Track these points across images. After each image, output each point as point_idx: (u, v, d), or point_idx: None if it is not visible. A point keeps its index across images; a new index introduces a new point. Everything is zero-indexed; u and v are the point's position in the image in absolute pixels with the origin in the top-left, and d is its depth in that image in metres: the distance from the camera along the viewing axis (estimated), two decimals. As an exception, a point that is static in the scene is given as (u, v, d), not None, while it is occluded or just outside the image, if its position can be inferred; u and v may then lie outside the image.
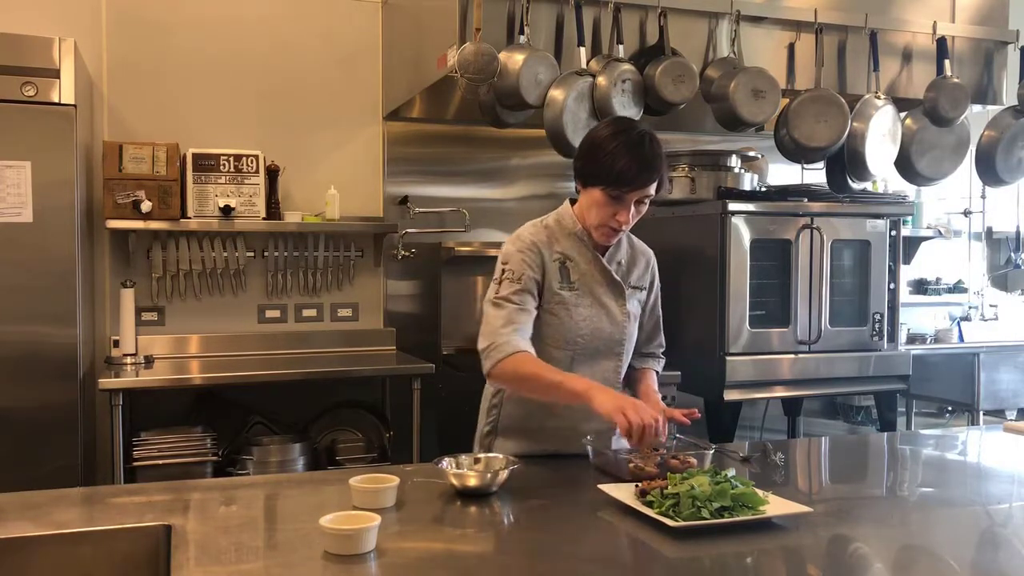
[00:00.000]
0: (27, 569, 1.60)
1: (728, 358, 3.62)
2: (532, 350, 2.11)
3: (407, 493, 1.85)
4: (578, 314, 2.21)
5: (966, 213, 5.39)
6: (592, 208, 2.17)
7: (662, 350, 2.47)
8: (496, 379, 2.13)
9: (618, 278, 2.27)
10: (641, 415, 1.91)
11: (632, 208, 2.13)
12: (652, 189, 2.13)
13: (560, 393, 2.06)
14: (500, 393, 2.31)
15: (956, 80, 3.66)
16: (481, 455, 2.02)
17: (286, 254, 4.02)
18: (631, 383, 2.40)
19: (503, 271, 2.20)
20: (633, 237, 2.37)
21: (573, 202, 2.28)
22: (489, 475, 1.91)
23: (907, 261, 4.70)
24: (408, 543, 1.64)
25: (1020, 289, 5.35)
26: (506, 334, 2.09)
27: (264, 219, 3.81)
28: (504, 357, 2.07)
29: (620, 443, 2.15)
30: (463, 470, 1.94)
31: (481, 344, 2.13)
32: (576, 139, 3.24)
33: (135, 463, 3.33)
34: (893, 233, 3.94)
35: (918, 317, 5.02)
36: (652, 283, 2.38)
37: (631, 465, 1.98)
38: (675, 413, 2.11)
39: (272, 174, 3.86)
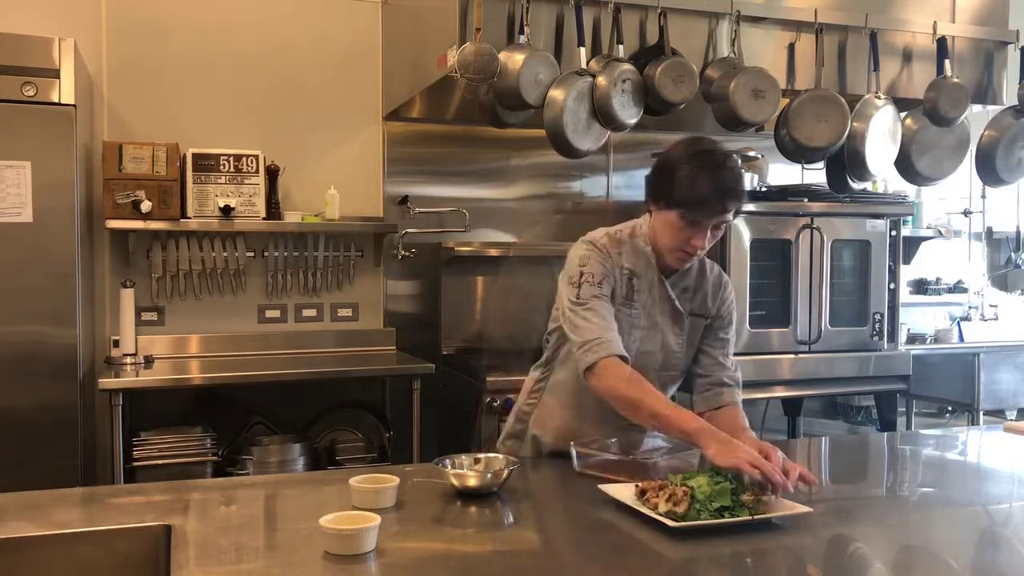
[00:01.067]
0: (27, 569, 1.60)
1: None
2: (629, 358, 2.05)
3: (407, 493, 1.85)
4: (633, 334, 2.13)
5: (966, 213, 5.39)
6: (666, 230, 2.09)
7: (735, 379, 2.28)
8: (597, 376, 2.01)
9: (680, 307, 2.19)
10: (765, 467, 1.75)
11: (708, 233, 2.06)
12: (730, 215, 2.06)
13: (664, 425, 1.97)
14: (545, 379, 2.29)
15: (956, 80, 3.65)
16: (481, 455, 2.02)
17: (286, 254, 4.02)
18: (717, 424, 2.08)
19: (581, 274, 2.10)
20: (707, 260, 2.27)
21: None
22: (489, 475, 1.92)
23: (907, 261, 4.70)
24: (408, 543, 1.64)
25: (1020, 289, 5.35)
26: (610, 332, 2.03)
27: (264, 219, 3.81)
28: (608, 356, 1.99)
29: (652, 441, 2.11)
30: (463, 470, 1.94)
31: (579, 339, 2.04)
32: (576, 139, 3.24)
33: (135, 463, 3.33)
34: (893, 233, 3.94)
35: (918, 317, 5.02)
36: (722, 313, 2.25)
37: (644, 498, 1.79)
38: (803, 471, 1.82)
39: (272, 174, 3.86)
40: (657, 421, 1.97)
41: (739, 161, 2.08)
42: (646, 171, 4.32)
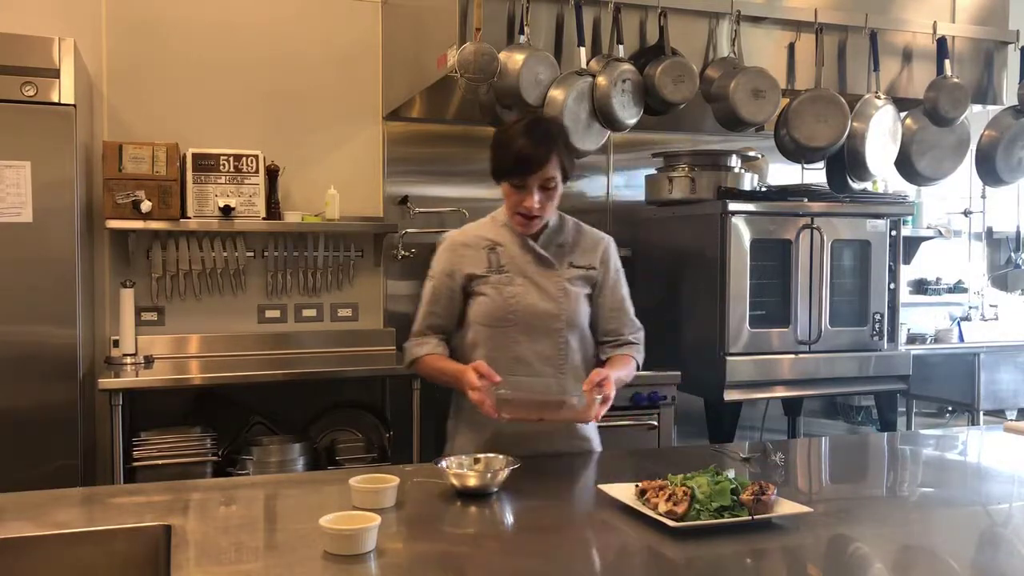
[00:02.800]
0: (27, 569, 1.60)
1: (728, 358, 3.62)
2: (433, 349, 2.37)
3: (407, 493, 1.85)
4: (507, 292, 2.30)
5: (966, 213, 5.39)
6: (505, 200, 2.33)
7: (637, 337, 2.45)
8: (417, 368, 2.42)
9: (547, 255, 2.34)
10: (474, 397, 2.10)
11: (537, 194, 2.23)
12: (552, 171, 2.22)
13: (446, 381, 2.33)
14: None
15: (956, 80, 3.65)
16: (481, 455, 2.02)
17: (286, 254, 4.02)
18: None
19: (431, 268, 2.44)
20: (583, 225, 2.46)
21: None
22: (489, 475, 1.92)
23: (907, 261, 4.70)
24: (408, 543, 1.64)
25: (1020, 289, 5.35)
26: (415, 338, 2.42)
27: (264, 219, 3.81)
28: (410, 362, 2.41)
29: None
30: (463, 470, 1.94)
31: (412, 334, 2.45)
32: (576, 139, 3.23)
33: (135, 463, 3.32)
34: (893, 233, 3.94)
35: (918, 317, 5.02)
36: (607, 267, 2.42)
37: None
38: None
39: (272, 174, 3.86)
40: (440, 373, 2.33)
41: (554, 122, 2.39)
42: (646, 171, 4.36)
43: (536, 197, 2.23)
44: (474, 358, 2.26)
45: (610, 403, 2.11)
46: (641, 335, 2.47)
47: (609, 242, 2.45)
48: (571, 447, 2.35)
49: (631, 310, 2.46)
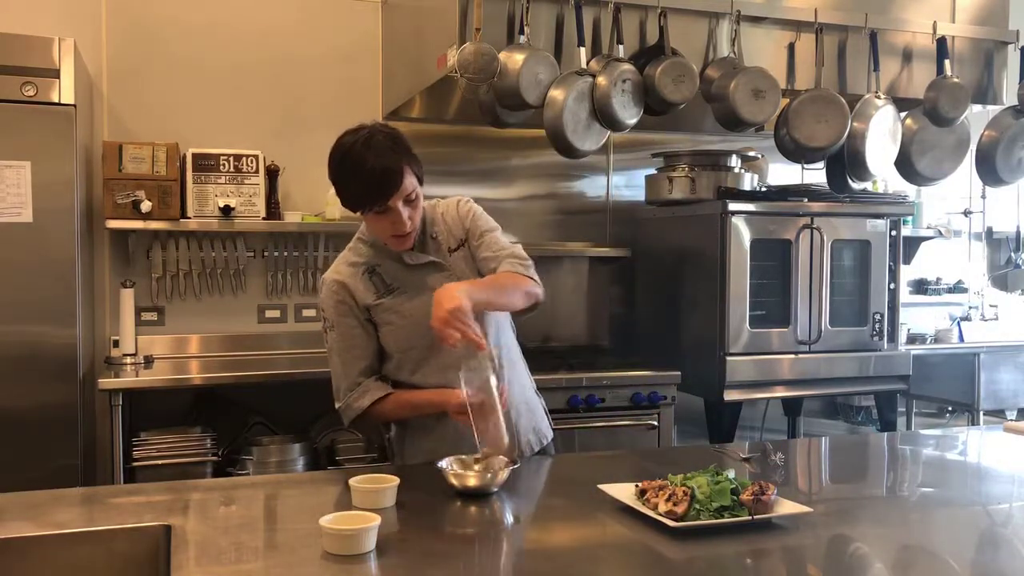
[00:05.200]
0: (27, 569, 1.60)
1: (728, 358, 3.62)
2: (381, 392, 2.22)
3: (407, 493, 1.85)
4: (408, 309, 2.20)
5: (966, 213, 5.39)
6: (372, 227, 2.21)
7: (525, 265, 2.26)
8: (366, 422, 2.30)
9: (426, 259, 2.24)
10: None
11: (404, 210, 2.11)
12: (411, 183, 2.10)
13: (422, 409, 2.21)
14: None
15: (956, 80, 3.66)
16: (481, 455, 2.02)
17: (286, 254, 4.02)
18: None
19: (324, 321, 2.28)
20: (434, 202, 2.33)
21: None
22: (489, 475, 1.91)
23: (907, 261, 4.70)
24: (408, 543, 1.64)
25: (1020, 289, 5.35)
26: (352, 392, 2.24)
27: (264, 219, 3.81)
28: (355, 418, 2.26)
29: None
30: (463, 470, 1.94)
31: (337, 401, 2.28)
32: (576, 139, 3.24)
33: (135, 463, 3.32)
34: (893, 233, 3.94)
35: (918, 317, 5.02)
36: (467, 227, 2.28)
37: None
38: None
39: (272, 174, 3.86)
40: (420, 410, 2.22)
41: (384, 131, 2.19)
42: (646, 171, 4.37)
43: (405, 214, 2.11)
44: (403, 381, 2.25)
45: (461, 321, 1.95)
46: (515, 249, 2.28)
47: (461, 202, 2.32)
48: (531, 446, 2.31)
49: (511, 248, 2.27)
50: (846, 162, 3.69)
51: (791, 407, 4.39)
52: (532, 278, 2.22)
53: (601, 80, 3.20)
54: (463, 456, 2.00)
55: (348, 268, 2.26)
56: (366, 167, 2.08)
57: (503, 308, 2.22)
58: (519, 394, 2.32)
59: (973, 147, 3.86)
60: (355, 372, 2.24)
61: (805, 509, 1.72)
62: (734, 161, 3.99)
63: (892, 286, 3.94)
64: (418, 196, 2.15)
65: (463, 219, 2.30)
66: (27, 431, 3.10)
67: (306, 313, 4.09)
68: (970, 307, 5.32)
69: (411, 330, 2.20)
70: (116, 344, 3.68)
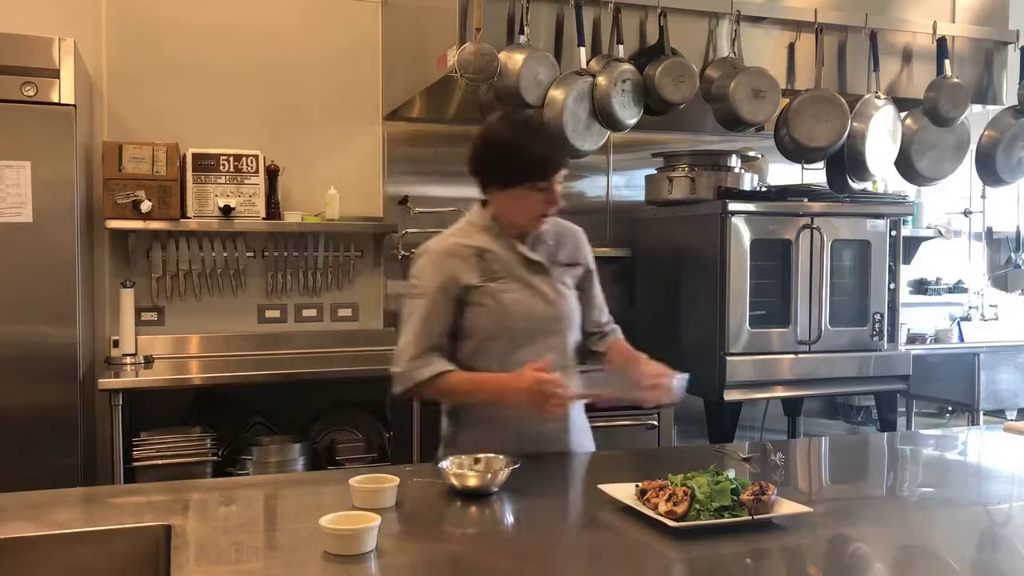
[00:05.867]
0: (27, 569, 1.60)
1: (728, 358, 3.62)
2: (444, 367, 2.21)
3: (407, 493, 1.85)
4: (507, 299, 2.24)
5: (966, 213, 5.39)
6: (517, 205, 2.24)
7: (612, 325, 2.49)
8: (430, 392, 2.25)
9: (538, 258, 2.29)
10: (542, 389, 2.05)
11: (556, 190, 2.21)
12: (566, 167, 2.22)
13: (478, 398, 2.22)
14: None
15: (956, 80, 3.66)
16: (481, 455, 2.02)
17: (286, 254, 4.02)
18: (615, 356, 2.40)
19: (413, 287, 2.29)
20: (556, 218, 2.38)
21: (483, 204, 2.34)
22: (489, 475, 1.91)
23: (907, 261, 4.70)
24: (408, 543, 1.64)
25: (1020, 289, 5.35)
26: (414, 362, 2.21)
27: (264, 219, 3.81)
28: (407, 388, 2.23)
29: None
30: (463, 470, 1.94)
31: (393, 366, 2.26)
32: (576, 139, 3.24)
33: (135, 463, 3.32)
34: (893, 233, 3.93)
35: (918, 317, 5.01)
36: (588, 259, 2.42)
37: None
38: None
39: (272, 174, 3.86)
40: (474, 398, 2.23)
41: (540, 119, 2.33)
42: (646, 171, 4.36)
43: (559, 195, 2.22)
44: (477, 368, 2.25)
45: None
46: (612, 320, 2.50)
47: (582, 233, 2.44)
48: (573, 447, 2.34)
49: (603, 299, 2.48)
50: (846, 162, 3.69)
51: (791, 407, 4.38)
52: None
53: (601, 80, 3.20)
54: (463, 456, 2.00)
55: (458, 246, 2.29)
56: (540, 142, 2.21)
57: None
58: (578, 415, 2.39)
59: (973, 147, 3.86)
60: (426, 345, 2.23)
61: (805, 509, 1.72)
62: (734, 161, 3.99)
63: (892, 286, 3.94)
64: (561, 185, 2.24)
65: (583, 249, 2.41)
66: (27, 431, 3.11)
67: (306, 313, 4.09)
68: (970, 307, 5.32)
69: (501, 318, 2.24)
70: (116, 344, 3.68)
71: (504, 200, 2.25)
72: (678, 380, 2.20)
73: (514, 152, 2.21)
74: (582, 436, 2.38)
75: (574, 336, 2.35)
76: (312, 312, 4.10)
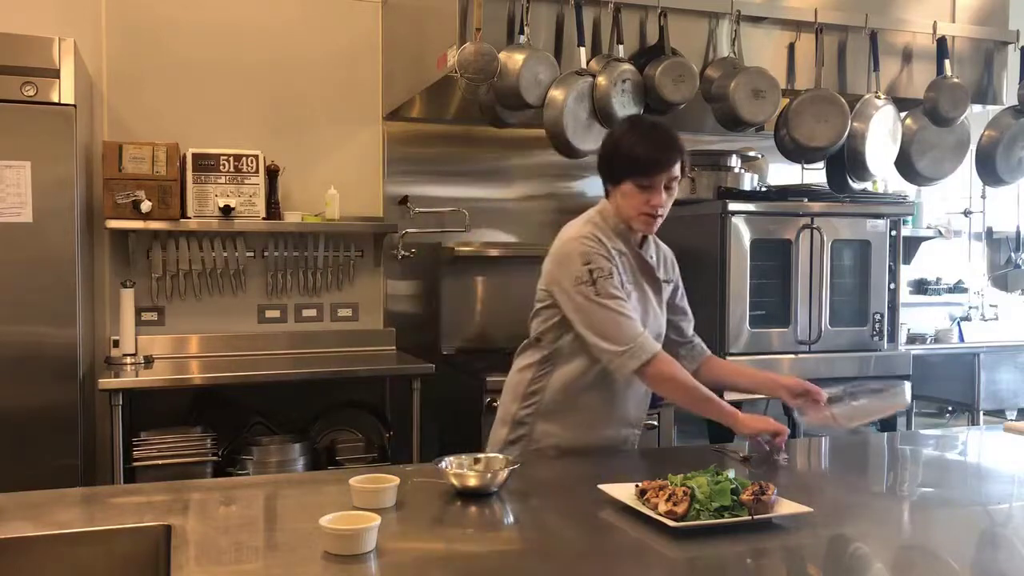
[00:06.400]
0: (27, 569, 1.60)
1: (728, 358, 3.62)
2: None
3: (407, 493, 1.85)
4: (636, 308, 2.27)
5: (966, 213, 5.39)
6: (626, 201, 2.25)
7: (698, 339, 2.57)
8: (651, 375, 2.18)
9: (658, 274, 2.38)
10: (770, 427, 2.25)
11: (663, 193, 2.23)
12: (676, 170, 2.23)
13: (710, 408, 2.23)
14: (545, 376, 2.32)
15: (956, 80, 3.66)
16: (481, 455, 2.02)
17: (286, 254, 4.02)
18: (725, 374, 2.54)
19: (591, 271, 2.18)
20: (654, 236, 2.44)
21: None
22: (489, 475, 1.91)
23: (907, 261, 4.70)
24: (408, 543, 1.64)
25: (1020, 289, 5.35)
26: (639, 328, 2.18)
27: (264, 219, 3.81)
28: (651, 358, 2.15)
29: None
30: (463, 470, 1.94)
31: (615, 347, 2.15)
32: (576, 139, 3.24)
33: (135, 463, 3.33)
34: (893, 233, 3.94)
35: (918, 317, 5.02)
36: (677, 278, 2.50)
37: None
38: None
39: (272, 174, 3.86)
40: (707, 404, 2.22)
41: (668, 125, 2.30)
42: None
43: (663, 194, 2.22)
44: (573, 361, 2.28)
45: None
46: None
47: (671, 252, 2.51)
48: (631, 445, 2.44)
49: (688, 306, 2.55)
50: (846, 162, 3.69)
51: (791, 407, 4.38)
52: None
53: (601, 80, 3.20)
54: (463, 456, 2.00)
55: (600, 241, 2.25)
56: (658, 133, 2.24)
57: None
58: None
59: (973, 147, 3.86)
60: (636, 319, 2.21)
61: (805, 509, 1.72)
62: (734, 161, 3.99)
63: (892, 286, 3.94)
64: (674, 191, 2.25)
65: (675, 268, 2.49)
66: (27, 431, 3.11)
67: (306, 313, 4.09)
68: (970, 307, 5.32)
69: None
70: (116, 344, 3.68)
71: (616, 197, 2.28)
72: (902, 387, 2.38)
73: (623, 145, 2.25)
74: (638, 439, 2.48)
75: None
76: (312, 312, 4.10)
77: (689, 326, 2.52)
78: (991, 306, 5.33)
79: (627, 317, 2.17)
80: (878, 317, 3.87)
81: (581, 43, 3.21)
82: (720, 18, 3.46)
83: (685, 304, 2.52)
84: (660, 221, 2.29)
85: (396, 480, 1.81)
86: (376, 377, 3.93)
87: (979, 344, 4.70)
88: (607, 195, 2.33)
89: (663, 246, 2.48)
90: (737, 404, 3.68)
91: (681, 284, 2.51)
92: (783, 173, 4.50)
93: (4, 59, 3.10)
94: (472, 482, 1.89)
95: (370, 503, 1.75)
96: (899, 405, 2.30)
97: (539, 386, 2.33)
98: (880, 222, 3.89)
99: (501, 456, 2.01)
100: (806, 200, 3.83)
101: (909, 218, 4.44)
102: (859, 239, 3.86)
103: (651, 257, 2.37)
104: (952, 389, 4.72)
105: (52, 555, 1.62)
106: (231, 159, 3.73)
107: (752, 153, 4.29)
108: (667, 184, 2.23)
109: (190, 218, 3.70)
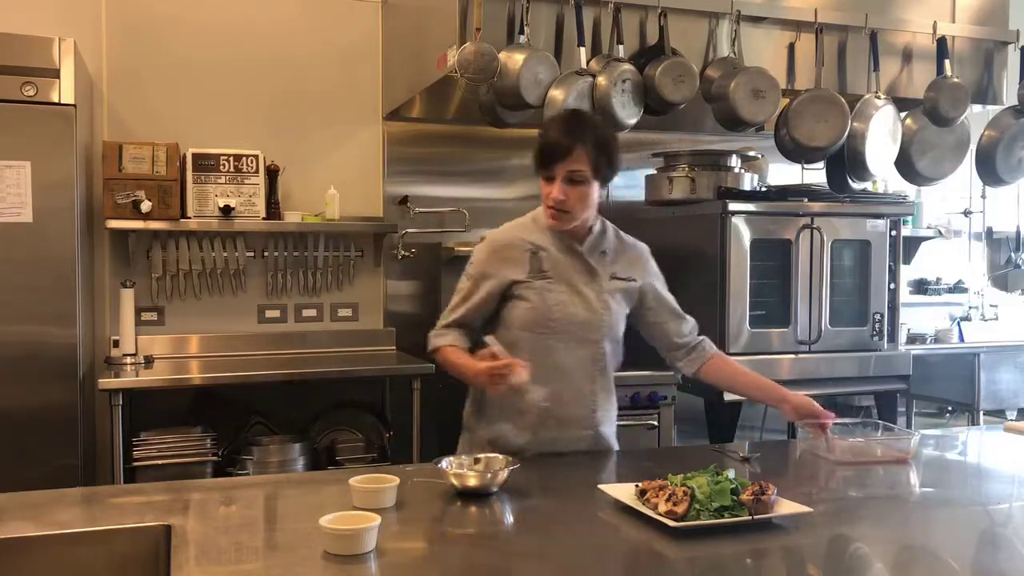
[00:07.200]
0: (27, 569, 1.60)
1: (728, 358, 3.61)
2: (447, 341, 2.33)
3: (407, 493, 1.85)
4: (551, 299, 2.27)
5: (966, 213, 5.39)
6: (543, 193, 2.27)
7: (698, 331, 2.49)
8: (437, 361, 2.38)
9: (594, 264, 2.32)
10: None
11: (561, 185, 2.19)
12: (578, 163, 2.18)
13: (454, 373, 2.30)
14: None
15: (956, 80, 3.65)
16: (481, 455, 2.02)
17: (286, 254, 4.02)
18: (723, 377, 2.49)
19: (470, 265, 2.39)
20: (623, 233, 2.45)
21: None
22: (489, 475, 1.92)
23: (907, 261, 4.70)
24: (408, 543, 1.64)
25: (1020, 289, 5.35)
26: (444, 326, 2.36)
27: (264, 219, 3.81)
28: (432, 349, 2.36)
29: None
30: (463, 470, 1.94)
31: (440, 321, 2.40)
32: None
33: (135, 463, 3.32)
34: (893, 233, 3.93)
35: (918, 317, 5.02)
36: (647, 276, 2.43)
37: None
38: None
39: (272, 174, 3.86)
40: (451, 367, 2.30)
41: (591, 117, 2.32)
42: (646, 171, 4.36)
43: (560, 188, 2.19)
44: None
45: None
46: (695, 324, 2.50)
47: (646, 250, 2.47)
48: (590, 447, 2.36)
49: (678, 307, 2.49)
50: (846, 162, 3.69)
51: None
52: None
53: (601, 80, 3.20)
54: (463, 456, 2.00)
55: (516, 239, 2.33)
56: (550, 131, 2.24)
57: None
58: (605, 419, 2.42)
59: (973, 147, 3.86)
60: (454, 317, 2.36)
61: (805, 509, 1.72)
62: (734, 161, 3.99)
63: (892, 286, 3.94)
64: (586, 183, 2.21)
65: (642, 266, 2.43)
66: (27, 431, 3.11)
67: (306, 313, 4.09)
68: (970, 307, 5.32)
69: (540, 316, 2.27)
70: (116, 344, 3.68)
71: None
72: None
73: (537, 139, 2.26)
74: (600, 442, 2.38)
75: (612, 346, 2.36)
76: (312, 312, 4.10)
77: (681, 326, 2.45)
78: (991, 306, 5.33)
79: (445, 313, 2.38)
80: (878, 317, 3.87)
81: (581, 43, 3.21)
82: (720, 18, 3.46)
83: (669, 305, 2.45)
84: (569, 219, 2.25)
85: (396, 480, 1.81)
86: (376, 377, 3.93)
87: (979, 344, 4.70)
88: None
89: (632, 243, 2.44)
90: (738, 404, 3.73)
91: (660, 285, 2.45)
92: (783, 173, 4.50)
93: (4, 59, 3.10)
94: (472, 482, 1.89)
95: (370, 503, 1.75)
96: (904, 454, 2.26)
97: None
98: (880, 222, 3.88)
99: (501, 456, 2.02)
100: (806, 200, 3.83)
101: (909, 218, 4.44)
102: (859, 239, 3.86)
103: (602, 252, 2.34)
104: (952, 389, 4.72)
105: (52, 555, 1.62)
106: (231, 159, 3.73)
107: (752, 153, 4.29)
108: (570, 177, 2.19)
109: (190, 218, 3.70)
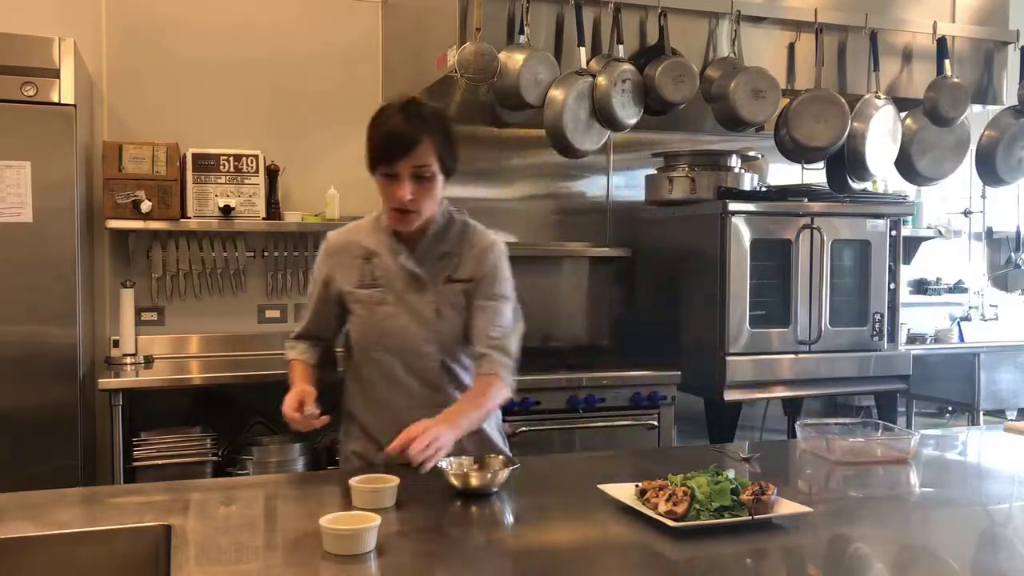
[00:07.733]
0: (27, 569, 1.60)
1: (728, 358, 3.62)
2: (293, 355, 2.29)
3: (407, 493, 1.85)
4: (381, 312, 2.14)
5: (966, 213, 5.39)
6: (381, 195, 2.09)
7: (495, 343, 2.11)
8: None
9: (420, 272, 2.13)
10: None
11: (409, 183, 2.01)
12: (426, 157, 2.01)
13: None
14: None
15: (956, 80, 3.66)
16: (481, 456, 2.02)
17: (286, 254, 4.01)
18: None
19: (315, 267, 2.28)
20: (475, 226, 2.22)
21: None
22: (489, 475, 1.91)
23: (907, 261, 4.70)
24: (408, 543, 1.64)
25: (1020, 289, 5.35)
26: (289, 343, 2.34)
27: (264, 219, 3.81)
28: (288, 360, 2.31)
29: None
30: (463, 470, 1.94)
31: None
32: (576, 139, 3.24)
33: (135, 463, 3.32)
34: (893, 233, 3.94)
35: (918, 317, 5.01)
36: (483, 279, 2.15)
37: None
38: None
39: (272, 174, 3.86)
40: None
41: (426, 106, 2.08)
42: (646, 171, 4.37)
43: (408, 187, 1.99)
44: (357, 376, 2.25)
45: (437, 449, 1.87)
46: (507, 341, 2.13)
47: (494, 246, 2.19)
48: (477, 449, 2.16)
49: (500, 312, 2.14)
50: (846, 162, 3.69)
51: (791, 407, 4.38)
52: (508, 384, 2.10)
53: (601, 80, 3.20)
54: (463, 456, 2.00)
55: (350, 244, 2.20)
56: (388, 123, 2.04)
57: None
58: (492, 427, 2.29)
59: (973, 147, 3.86)
60: (302, 330, 2.33)
61: (805, 509, 1.72)
62: (734, 161, 3.99)
63: (892, 286, 3.94)
64: (433, 179, 2.04)
65: (485, 265, 2.16)
66: (27, 431, 3.10)
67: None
68: (970, 307, 5.32)
69: (372, 331, 2.16)
70: (116, 344, 3.68)
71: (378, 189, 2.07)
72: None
73: (369, 131, 2.08)
74: (486, 445, 2.20)
75: (458, 358, 2.18)
76: (312, 312, 4.09)
77: (479, 333, 2.10)
78: (991, 306, 5.33)
79: (300, 320, 2.32)
80: (878, 317, 3.87)
81: (581, 43, 3.21)
82: (720, 18, 3.46)
83: (488, 303, 2.13)
84: (417, 218, 2.06)
85: (396, 480, 1.81)
86: (376, 377, 3.92)
87: (979, 344, 4.70)
88: None
89: (478, 239, 2.18)
90: (737, 404, 3.73)
91: (495, 291, 2.15)
92: (783, 173, 4.50)
93: (4, 59, 3.10)
94: (472, 482, 1.89)
95: (370, 503, 1.75)
96: (903, 454, 2.25)
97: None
98: (880, 222, 3.89)
99: (501, 456, 2.01)
100: (806, 200, 3.83)
101: (909, 218, 4.44)
102: (859, 239, 3.86)
103: (441, 254, 2.14)
104: (952, 389, 4.72)
105: (52, 555, 1.62)
106: (231, 159, 3.73)
107: (752, 153, 4.29)
108: (417, 173, 2.00)
109: (190, 218, 3.70)
